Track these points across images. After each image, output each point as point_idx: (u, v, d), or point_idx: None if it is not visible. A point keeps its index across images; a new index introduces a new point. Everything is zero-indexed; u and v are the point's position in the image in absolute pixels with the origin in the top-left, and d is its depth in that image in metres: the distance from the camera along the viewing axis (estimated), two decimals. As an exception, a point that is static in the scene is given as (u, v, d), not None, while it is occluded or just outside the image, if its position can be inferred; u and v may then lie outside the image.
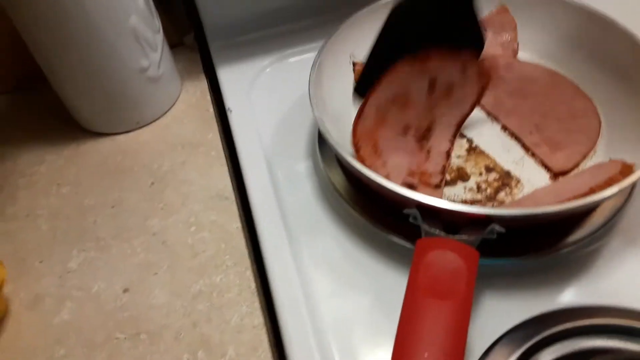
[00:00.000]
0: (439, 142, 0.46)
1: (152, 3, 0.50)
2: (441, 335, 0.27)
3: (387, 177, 0.42)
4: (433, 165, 0.44)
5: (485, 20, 0.51)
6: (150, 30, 0.49)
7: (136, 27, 0.47)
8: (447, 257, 0.31)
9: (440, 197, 0.42)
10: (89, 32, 0.45)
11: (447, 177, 0.44)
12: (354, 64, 0.51)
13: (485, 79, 0.45)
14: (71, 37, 0.45)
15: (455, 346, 0.27)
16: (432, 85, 0.46)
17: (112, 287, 0.41)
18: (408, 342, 0.27)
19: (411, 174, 0.44)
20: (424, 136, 0.46)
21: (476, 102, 0.46)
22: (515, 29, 0.53)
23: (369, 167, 0.43)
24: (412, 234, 0.39)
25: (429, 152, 0.45)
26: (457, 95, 0.46)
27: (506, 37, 0.53)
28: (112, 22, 0.45)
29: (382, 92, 0.46)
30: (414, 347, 0.27)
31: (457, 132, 0.47)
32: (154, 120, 0.54)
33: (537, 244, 0.39)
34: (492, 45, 0.52)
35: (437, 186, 0.43)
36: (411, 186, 0.43)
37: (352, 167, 0.38)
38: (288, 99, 0.53)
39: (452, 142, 0.46)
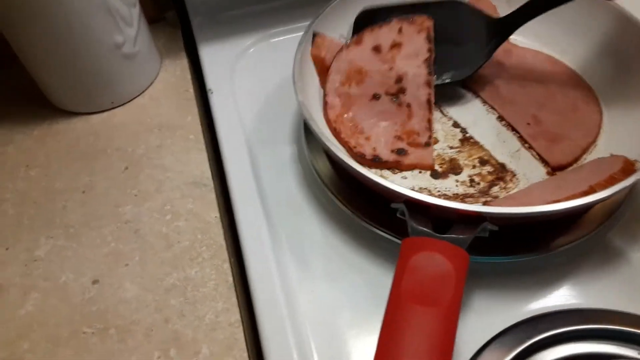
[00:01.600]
0: (416, 90, 0.44)
1: (127, -26, 0.47)
2: (426, 344, 0.25)
3: (374, 151, 0.41)
4: (417, 121, 0.42)
5: None
6: (124, 4, 0.46)
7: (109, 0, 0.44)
8: (435, 259, 0.28)
9: (431, 156, 0.41)
10: (58, 5, 0.42)
11: (439, 168, 0.41)
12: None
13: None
14: (39, 10, 0.42)
15: (441, 357, 0.25)
16: (376, 49, 0.45)
17: (81, 278, 0.39)
18: (390, 352, 0.25)
19: (398, 138, 0.42)
20: (398, 91, 0.44)
21: (430, 40, 0.45)
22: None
23: (354, 148, 0.41)
24: (398, 227, 0.37)
25: (409, 106, 0.43)
26: (407, 46, 0.45)
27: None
28: (82, -7, 0.42)
29: (333, 78, 0.45)
30: (397, 356, 0.25)
31: (430, 72, 0.45)
32: (130, 100, 0.51)
33: (530, 241, 0.37)
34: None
35: (427, 144, 0.41)
36: (401, 151, 0.41)
37: (338, 158, 0.36)
38: (272, 81, 0.50)
39: (429, 86, 0.44)
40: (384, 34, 0.46)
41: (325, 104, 0.45)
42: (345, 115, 0.44)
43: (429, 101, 0.43)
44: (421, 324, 0.26)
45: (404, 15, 0.46)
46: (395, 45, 0.46)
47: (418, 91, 0.44)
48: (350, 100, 0.44)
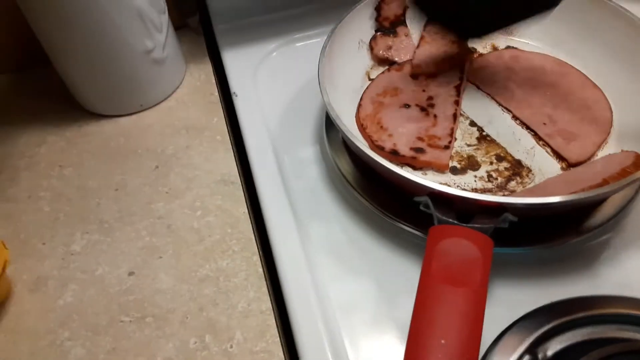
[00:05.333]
0: (444, 107, 0.47)
1: (157, -18, 0.49)
2: (457, 322, 0.27)
3: (394, 146, 0.43)
4: (441, 129, 0.45)
5: None
6: (155, 11, 0.48)
7: (141, 6, 0.46)
8: (462, 244, 0.30)
9: (448, 158, 0.43)
10: (92, 11, 0.44)
11: (457, 165, 0.43)
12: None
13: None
14: (74, 16, 0.44)
15: (472, 333, 0.27)
16: (414, 76, 0.50)
17: (117, 270, 0.41)
18: (424, 328, 0.27)
19: (419, 139, 0.44)
20: (428, 105, 0.47)
21: (463, 72, 0.50)
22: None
23: (376, 141, 0.43)
24: (420, 221, 0.39)
25: (435, 117, 0.46)
26: (442, 77, 0.49)
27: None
28: (116, 1, 0.44)
29: (371, 90, 0.49)
30: (429, 334, 0.27)
31: (460, 95, 0.48)
32: (158, 103, 0.53)
33: (547, 233, 0.39)
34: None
35: (446, 147, 0.43)
36: (419, 150, 0.43)
37: (362, 152, 0.38)
38: (294, 84, 0.52)
39: (457, 104, 0.47)
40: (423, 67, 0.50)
41: (358, 106, 0.48)
42: (374, 116, 0.47)
43: (454, 115, 0.46)
44: (452, 303, 0.28)
45: None
46: (432, 76, 0.50)
47: (446, 107, 0.47)
48: (382, 106, 0.47)
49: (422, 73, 0.50)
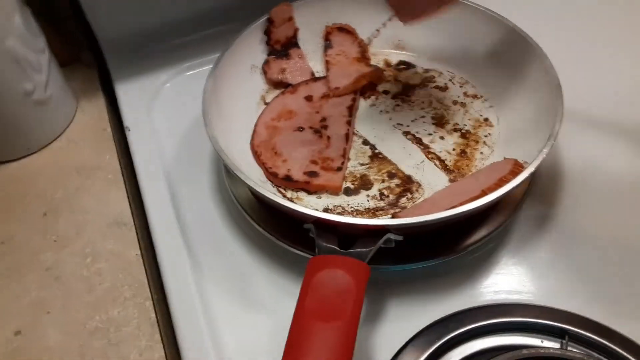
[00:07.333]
0: (337, 128, 0.47)
1: (34, 22, 0.47)
2: (324, 358, 0.27)
3: (288, 172, 0.43)
4: (334, 151, 0.45)
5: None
6: (31, 51, 0.46)
7: (14, 48, 0.44)
8: (337, 275, 0.30)
9: (341, 180, 0.43)
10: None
11: (351, 185, 0.43)
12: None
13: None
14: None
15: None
16: (308, 99, 0.50)
17: (3, 331, 0.38)
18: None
19: (313, 162, 0.44)
20: (321, 127, 0.47)
21: (355, 94, 0.50)
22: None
23: (270, 168, 0.43)
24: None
25: (329, 138, 0.46)
26: (336, 98, 0.50)
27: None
28: (-17, 45, 0.42)
29: (266, 116, 0.49)
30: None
31: (353, 115, 0.48)
32: (47, 145, 0.50)
33: (439, 247, 0.39)
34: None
35: (339, 169, 0.43)
36: (313, 174, 0.43)
37: (247, 185, 0.37)
38: (190, 114, 0.51)
39: (349, 124, 0.47)
40: (318, 87, 0.51)
41: (253, 132, 0.47)
42: (268, 141, 0.46)
43: (347, 135, 0.46)
44: (321, 340, 0.27)
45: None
46: (325, 97, 0.50)
47: (339, 128, 0.47)
48: (276, 131, 0.47)
49: (341, 94, 0.50)
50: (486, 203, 0.35)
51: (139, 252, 0.42)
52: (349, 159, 0.45)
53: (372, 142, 0.46)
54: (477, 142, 0.45)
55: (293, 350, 0.27)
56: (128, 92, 0.54)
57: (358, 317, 0.28)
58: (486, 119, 0.47)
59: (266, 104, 0.50)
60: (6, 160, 0.49)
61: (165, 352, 0.36)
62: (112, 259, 0.42)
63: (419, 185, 0.43)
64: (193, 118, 0.51)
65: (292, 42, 0.52)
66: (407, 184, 0.43)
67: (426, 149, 0.45)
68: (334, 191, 0.43)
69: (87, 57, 0.58)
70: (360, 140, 0.47)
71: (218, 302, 0.39)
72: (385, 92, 0.51)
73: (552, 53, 0.44)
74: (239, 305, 0.39)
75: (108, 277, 0.41)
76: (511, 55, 0.47)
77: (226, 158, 0.39)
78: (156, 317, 0.38)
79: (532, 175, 0.38)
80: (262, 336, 0.37)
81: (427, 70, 0.52)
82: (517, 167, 0.39)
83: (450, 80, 0.51)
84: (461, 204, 0.35)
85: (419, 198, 0.42)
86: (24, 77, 0.46)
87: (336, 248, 0.33)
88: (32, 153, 0.50)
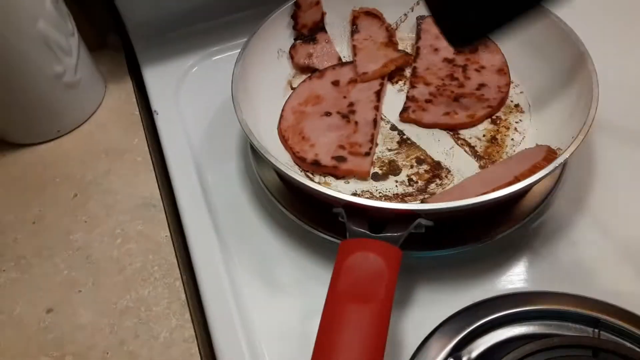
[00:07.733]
0: (364, 113, 0.46)
1: (63, 5, 0.47)
2: (359, 340, 0.27)
3: (316, 156, 0.43)
4: (362, 135, 0.45)
5: None
6: (62, 34, 0.46)
7: (45, 32, 0.44)
8: (369, 258, 0.30)
9: (369, 165, 0.43)
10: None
11: (379, 171, 0.43)
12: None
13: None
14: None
15: (373, 350, 0.27)
16: (335, 83, 0.49)
17: (35, 309, 0.39)
18: (325, 351, 0.26)
19: (341, 147, 0.44)
20: (349, 112, 0.47)
21: (383, 79, 0.50)
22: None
23: (298, 153, 0.43)
24: (344, 231, 0.38)
25: (356, 124, 0.46)
26: (361, 84, 0.49)
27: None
28: (16, 28, 0.43)
29: (293, 100, 0.48)
30: (330, 355, 0.26)
31: (380, 100, 0.48)
32: (76, 128, 0.51)
33: (469, 233, 0.39)
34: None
35: (367, 154, 0.43)
36: (341, 158, 0.43)
37: (277, 168, 0.37)
38: (217, 98, 0.51)
39: (377, 109, 0.47)
40: (345, 72, 0.50)
41: (280, 117, 0.47)
42: (295, 126, 0.46)
43: (375, 121, 0.45)
44: (354, 321, 0.27)
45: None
46: (352, 82, 0.49)
47: (366, 113, 0.46)
48: (304, 116, 0.47)
49: (369, 79, 0.49)
50: (520, 189, 0.34)
51: (168, 234, 0.42)
52: (376, 145, 0.45)
53: (400, 127, 0.46)
54: (507, 128, 0.45)
55: (327, 332, 0.27)
56: (155, 76, 0.54)
57: (391, 300, 0.28)
58: (517, 105, 0.46)
59: (293, 88, 0.50)
60: (37, 142, 0.50)
61: (195, 332, 0.37)
62: (141, 240, 0.42)
63: (449, 171, 0.42)
64: (220, 102, 0.51)
65: (319, 27, 0.52)
66: (436, 170, 0.42)
67: (455, 135, 0.45)
68: (362, 176, 0.42)
69: (115, 41, 0.59)
70: (388, 126, 0.46)
71: (246, 284, 0.39)
72: (413, 77, 0.50)
73: (587, 41, 0.43)
74: (266, 287, 0.39)
75: (138, 258, 0.41)
76: (546, 43, 0.46)
77: (256, 141, 0.39)
78: (186, 297, 0.39)
79: (564, 165, 0.37)
80: (289, 318, 0.37)
81: (455, 55, 0.51)
82: (551, 154, 0.38)
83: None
84: (494, 189, 0.34)
85: (449, 184, 0.41)
86: (54, 60, 0.46)
87: (367, 232, 0.33)
88: (62, 135, 0.50)
